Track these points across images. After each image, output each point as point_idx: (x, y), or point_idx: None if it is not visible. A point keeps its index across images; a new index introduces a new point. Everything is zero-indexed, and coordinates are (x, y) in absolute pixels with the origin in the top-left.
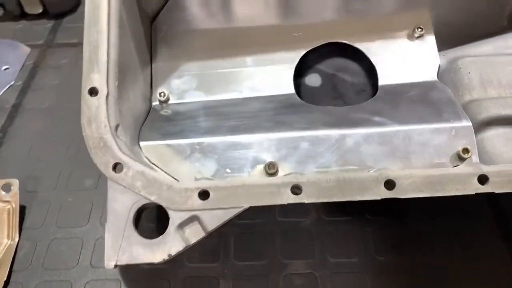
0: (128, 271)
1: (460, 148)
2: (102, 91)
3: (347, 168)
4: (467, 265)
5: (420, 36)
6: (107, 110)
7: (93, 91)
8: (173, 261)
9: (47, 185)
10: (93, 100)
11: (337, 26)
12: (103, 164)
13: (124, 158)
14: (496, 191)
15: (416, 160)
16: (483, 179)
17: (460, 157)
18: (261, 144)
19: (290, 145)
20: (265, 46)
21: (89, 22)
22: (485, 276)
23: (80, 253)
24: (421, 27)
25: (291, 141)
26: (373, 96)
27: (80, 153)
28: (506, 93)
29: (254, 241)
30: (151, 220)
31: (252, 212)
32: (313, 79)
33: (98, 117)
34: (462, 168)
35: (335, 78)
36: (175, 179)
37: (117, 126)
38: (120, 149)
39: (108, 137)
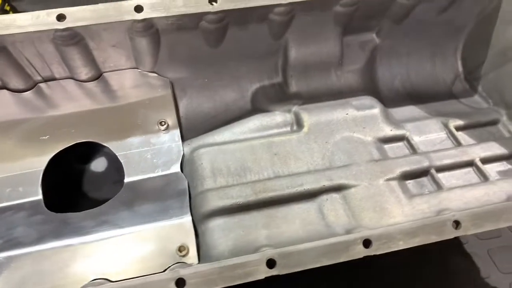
0: None
1: (178, 245)
2: None
3: None
4: None
5: (166, 129)
6: None
7: None
8: None
9: None
10: None
11: (85, 127)
12: None
13: None
14: None
15: (139, 262)
16: (179, 283)
17: (178, 254)
18: None
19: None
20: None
21: None
22: None
23: None
24: (164, 120)
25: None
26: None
27: None
28: (233, 180)
29: None
30: None
31: None
32: (99, 164)
33: None
34: (164, 274)
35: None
36: None
37: None
38: None
39: None
